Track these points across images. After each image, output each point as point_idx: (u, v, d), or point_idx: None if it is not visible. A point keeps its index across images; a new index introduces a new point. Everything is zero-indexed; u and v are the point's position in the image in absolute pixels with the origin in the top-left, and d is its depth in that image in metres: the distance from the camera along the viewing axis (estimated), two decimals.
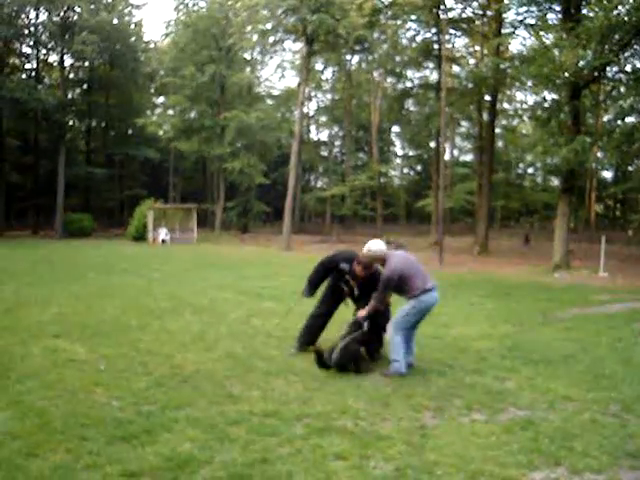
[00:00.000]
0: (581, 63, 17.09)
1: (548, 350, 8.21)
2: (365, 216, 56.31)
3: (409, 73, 40.18)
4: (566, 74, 18.17)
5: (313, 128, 64.39)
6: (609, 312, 12.47)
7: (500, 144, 57.33)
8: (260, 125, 38.39)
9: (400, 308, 6.83)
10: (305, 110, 51.68)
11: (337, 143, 64.18)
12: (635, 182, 52.77)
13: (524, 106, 40.07)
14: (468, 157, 65.29)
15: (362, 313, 6.94)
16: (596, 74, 18.48)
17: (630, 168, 59.02)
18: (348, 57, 44.43)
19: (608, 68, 19.35)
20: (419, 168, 67.10)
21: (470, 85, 29.34)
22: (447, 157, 71.48)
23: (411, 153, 67.72)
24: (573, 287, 16.53)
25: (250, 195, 47.84)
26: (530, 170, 65.63)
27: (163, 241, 34.29)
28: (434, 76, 36.80)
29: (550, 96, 23.26)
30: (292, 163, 31.61)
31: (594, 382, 6.49)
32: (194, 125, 39.81)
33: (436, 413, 5.44)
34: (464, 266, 23.86)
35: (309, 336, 7.55)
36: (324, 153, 63.14)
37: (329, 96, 60.13)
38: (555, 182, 63.99)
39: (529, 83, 22.67)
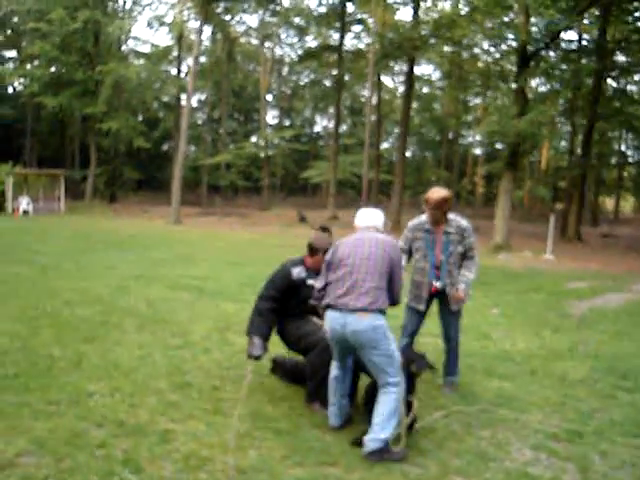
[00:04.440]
0: (537, 27, 15.33)
1: None
2: (245, 187, 53.01)
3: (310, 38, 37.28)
4: (512, 39, 16.42)
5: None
6: (615, 305, 10.83)
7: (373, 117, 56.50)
8: (139, 82, 33.63)
9: None
10: (174, 71, 47.06)
11: (207, 110, 59.46)
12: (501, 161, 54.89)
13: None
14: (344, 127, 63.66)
15: None
16: (548, 41, 16.89)
17: (499, 146, 61.45)
18: (228, 18, 40.69)
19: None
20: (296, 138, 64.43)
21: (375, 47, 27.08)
22: (319, 129, 70.01)
23: (287, 122, 64.82)
24: (535, 273, 14.91)
25: (119, 161, 42.92)
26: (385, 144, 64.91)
27: (25, 212, 29.14)
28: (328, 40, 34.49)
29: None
30: (183, 125, 27.76)
31: None
32: (63, 78, 34.04)
33: None
34: None
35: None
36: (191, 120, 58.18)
37: (203, 59, 55.42)
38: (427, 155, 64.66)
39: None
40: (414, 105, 59.69)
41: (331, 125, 69.48)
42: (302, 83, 61.71)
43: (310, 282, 4.80)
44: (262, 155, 44.49)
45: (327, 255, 4.29)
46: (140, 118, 46.01)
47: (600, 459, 3.99)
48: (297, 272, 4.85)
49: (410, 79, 26.06)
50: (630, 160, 55.31)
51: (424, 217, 5.23)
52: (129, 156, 46.96)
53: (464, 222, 5.23)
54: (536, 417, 4.66)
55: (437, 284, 5.06)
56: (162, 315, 7.22)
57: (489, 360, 6.26)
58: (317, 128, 70.16)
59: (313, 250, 4.83)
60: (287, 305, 4.84)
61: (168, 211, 31.68)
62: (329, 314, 4.05)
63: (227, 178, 46.21)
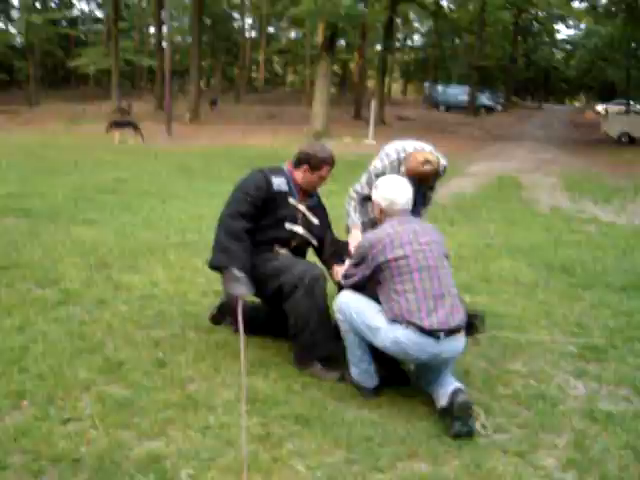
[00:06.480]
0: None
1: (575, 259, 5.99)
2: None
3: None
4: None
5: None
6: (471, 191, 11.03)
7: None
8: None
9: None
10: None
11: None
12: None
13: None
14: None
15: (338, 270, 3.53)
16: None
17: (272, 29, 61.05)
18: None
19: None
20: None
21: None
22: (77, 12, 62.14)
23: (38, 5, 55.89)
24: (368, 159, 14.60)
25: None
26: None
27: None
28: None
29: None
30: None
31: None
32: None
33: None
34: (199, 138, 20.15)
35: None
36: None
37: None
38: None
39: None
40: None
41: (92, 8, 62.41)
42: None
43: (292, 201, 3.57)
44: (20, 42, 38.31)
45: (366, 242, 3.11)
46: None
47: None
48: (278, 183, 3.58)
49: None
50: (398, 45, 58.00)
51: (394, 158, 3.76)
52: None
53: (442, 162, 3.79)
54: (541, 335, 4.14)
55: None
56: (6, 256, 5.36)
57: None
58: (74, 12, 62.45)
59: (306, 161, 3.57)
60: (255, 228, 3.53)
61: None
62: (413, 336, 2.84)
63: None
